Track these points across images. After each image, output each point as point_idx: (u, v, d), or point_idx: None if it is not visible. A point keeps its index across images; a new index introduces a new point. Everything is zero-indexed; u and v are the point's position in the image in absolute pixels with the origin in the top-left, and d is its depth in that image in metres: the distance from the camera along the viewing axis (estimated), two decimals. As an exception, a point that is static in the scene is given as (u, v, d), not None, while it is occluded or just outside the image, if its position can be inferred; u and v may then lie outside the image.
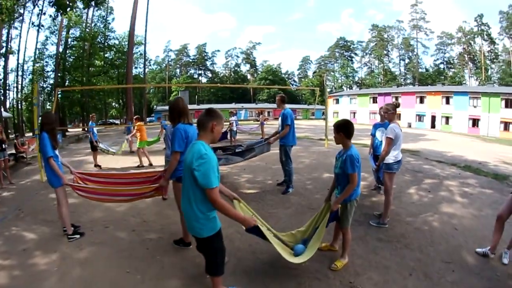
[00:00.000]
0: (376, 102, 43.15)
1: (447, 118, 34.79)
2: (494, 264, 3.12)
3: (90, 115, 11.62)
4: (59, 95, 30.32)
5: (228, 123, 13.24)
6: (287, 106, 5.52)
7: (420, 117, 37.83)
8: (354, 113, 45.35)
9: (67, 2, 7.68)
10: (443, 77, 57.44)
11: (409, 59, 62.93)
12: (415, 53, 61.65)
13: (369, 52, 67.21)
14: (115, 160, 9.63)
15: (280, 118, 5.36)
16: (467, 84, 53.13)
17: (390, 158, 3.96)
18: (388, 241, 3.64)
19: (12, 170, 8.26)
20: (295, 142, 5.43)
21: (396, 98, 40.73)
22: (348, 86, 68.08)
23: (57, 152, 3.74)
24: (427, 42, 61.77)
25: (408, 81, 62.02)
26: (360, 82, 67.51)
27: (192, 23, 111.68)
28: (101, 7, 24.28)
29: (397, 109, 4.37)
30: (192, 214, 2.19)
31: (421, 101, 38.08)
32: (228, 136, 13.19)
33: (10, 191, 6.67)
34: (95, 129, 9.29)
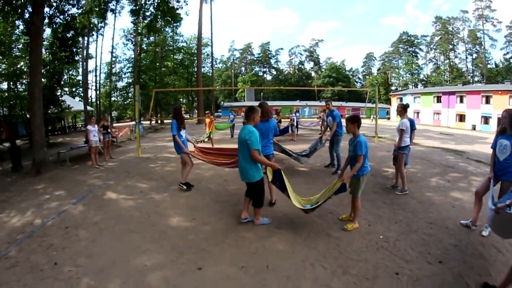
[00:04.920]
0: (440, 102, 39.76)
1: (516, 121, 30.68)
2: (472, 233, 3.82)
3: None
4: (132, 93, 35.39)
5: (289, 119, 14.78)
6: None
7: (486, 119, 33.57)
8: (418, 113, 42.36)
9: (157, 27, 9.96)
10: None
11: (477, 54, 55.55)
12: (483, 47, 54.12)
13: (434, 47, 61.47)
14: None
15: (330, 117, 7.19)
16: None
17: (402, 143, 5.42)
18: (391, 204, 4.90)
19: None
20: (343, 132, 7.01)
21: (461, 97, 37.24)
22: (413, 84, 63.64)
23: (182, 132, 5.75)
24: (495, 34, 53.06)
25: (476, 78, 54.94)
26: (425, 79, 62.63)
27: (255, 20, 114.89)
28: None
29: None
30: (247, 167, 3.81)
31: (487, 101, 33.70)
32: (290, 130, 14.39)
33: (114, 162, 9.24)
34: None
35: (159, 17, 11.63)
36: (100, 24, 23.50)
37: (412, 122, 5.73)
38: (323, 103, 51.55)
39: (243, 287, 2.76)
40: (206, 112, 13.43)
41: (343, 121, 5.57)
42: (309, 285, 2.77)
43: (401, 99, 46.79)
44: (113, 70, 36.74)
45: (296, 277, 2.89)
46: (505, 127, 3.56)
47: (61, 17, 10.26)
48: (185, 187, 5.74)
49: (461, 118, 36.71)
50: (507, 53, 53.50)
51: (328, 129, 7.28)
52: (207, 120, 12.38)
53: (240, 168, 3.90)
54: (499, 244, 3.46)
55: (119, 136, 15.24)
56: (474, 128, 33.56)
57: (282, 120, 16.08)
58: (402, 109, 5.56)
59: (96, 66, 33.27)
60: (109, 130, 10.01)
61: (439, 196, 5.43)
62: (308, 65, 75.03)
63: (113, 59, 34.79)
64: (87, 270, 3.03)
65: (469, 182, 6.48)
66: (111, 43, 37.14)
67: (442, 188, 5.97)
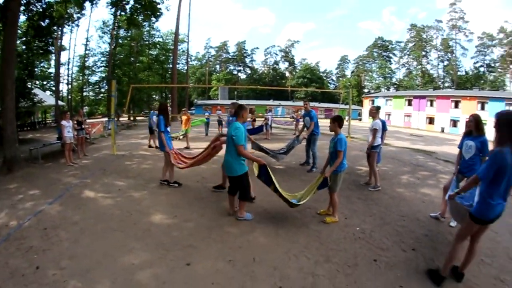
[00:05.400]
0: (411, 105, 42.12)
1: (482, 125, 33.35)
2: (441, 224, 4.30)
3: (152, 106, 14.04)
4: (105, 88, 34.14)
5: (263, 119, 14.97)
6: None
7: (454, 122, 36.32)
8: (389, 115, 44.50)
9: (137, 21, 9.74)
10: (482, 81, 53.87)
11: (448, 61, 59.51)
12: (454, 55, 58.24)
13: (408, 52, 64.77)
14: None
15: (307, 117, 7.42)
16: (508, 90, 49.49)
17: (374, 143, 5.78)
18: (365, 199, 5.21)
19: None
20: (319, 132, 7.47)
21: (431, 101, 39.63)
22: (385, 87, 66.45)
23: (168, 128, 5.71)
24: (466, 44, 57.95)
25: (447, 84, 58.72)
26: (397, 83, 65.63)
27: (232, 19, 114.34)
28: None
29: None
30: (232, 161, 3.93)
31: (456, 106, 36.50)
32: (264, 129, 14.51)
33: (88, 160, 8.86)
34: (154, 117, 11.36)
35: (139, 10, 11.34)
36: (76, 14, 22.37)
37: (383, 123, 6.11)
38: (296, 103, 53.35)
39: (233, 279, 2.85)
40: (183, 109, 13.31)
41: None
42: (296, 274, 2.94)
43: (373, 101, 48.87)
44: (86, 64, 35.17)
45: (282, 267, 3.03)
46: (471, 130, 3.94)
47: (38, 4, 9.70)
48: (176, 185, 5.77)
49: (431, 121, 39.19)
50: (477, 62, 57.57)
51: (305, 128, 7.53)
52: (184, 118, 12.07)
53: (226, 162, 4.05)
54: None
55: (92, 132, 14.70)
56: (443, 130, 35.98)
57: (256, 119, 16.27)
58: (375, 111, 5.96)
59: (69, 58, 31.71)
60: (83, 126, 9.63)
61: (409, 192, 5.83)
62: (283, 65, 75.95)
63: (87, 51, 33.39)
64: (72, 272, 2.94)
65: (438, 180, 6.96)
66: (86, 35, 35.49)
67: (412, 185, 6.39)
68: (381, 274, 3.00)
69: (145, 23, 30.67)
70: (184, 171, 6.49)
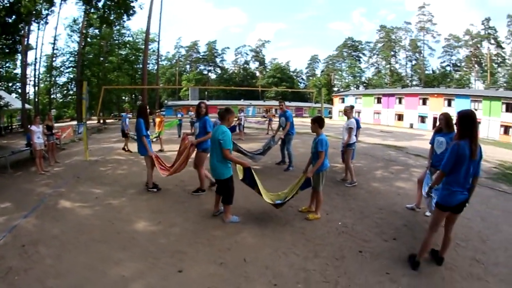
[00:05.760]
0: (380, 103, 44.22)
1: (449, 120, 35.66)
2: (417, 214, 4.60)
3: (124, 108, 13.53)
4: (74, 90, 32.56)
5: (236, 118, 14.96)
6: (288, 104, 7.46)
7: (422, 118, 38.71)
8: (359, 112, 46.30)
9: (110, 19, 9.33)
10: (449, 80, 57.66)
11: (416, 61, 63.15)
12: (422, 55, 61.95)
13: (377, 52, 67.68)
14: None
15: (283, 117, 7.50)
16: (473, 87, 53.42)
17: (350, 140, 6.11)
18: (343, 195, 5.46)
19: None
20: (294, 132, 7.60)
21: (400, 99, 41.82)
22: (355, 85, 68.85)
23: (149, 132, 5.54)
24: (434, 44, 61.57)
25: (415, 82, 62.17)
26: (367, 82, 68.23)
27: (203, 18, 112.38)
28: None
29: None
30: (218, 165, 3.96)
31: (424, 103, 38.93)
32: (237, 129, 14.67)
33: (60, 167, 8.38)
34: (127, 120, 11.01)
35: (112, 8, 10.86)
36: (46, 11, 20.86)
37: (357, 122, 6.49)
38: (267, 103, 54.02)
39: (227, 282, 2.88)
40: (156, 111, 12.97)
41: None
42: (287, 270, 3.04)
43: (343, 100, 50.72)
44: (54, 64, 33.25)
45: (274, 265, 3.12)
46: (441, 127, 4.31)
47: (5, -1, 8.99)
48: (155, 189, 5.60)
49: (400, 117, 41.41)
50: (444, 61, 61.78)
51: (281, 128, 7.64)
52: (157, 120, 11.85)
53: (211, 165, 4.06)
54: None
55: (62, 137, 13.97)
56: (411, 126, 38.20)
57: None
58: (350, 110, 6.28)
59: (36, 58, 29.68)
60: (53, 131, 9.14)
61: (384, 186, 6.17)
62: (254, 65, 76.17)
63: (55, 51, 31.55)
64: (61, 291, 2.74)
65: (410, 173, 7.41)
66: (54, 33, 32.96)
67: (386, 179, 6.76)
68: (368, 264, 3.21)
69: (118, 21, 29.54)
70: (162, 176, 6.34)
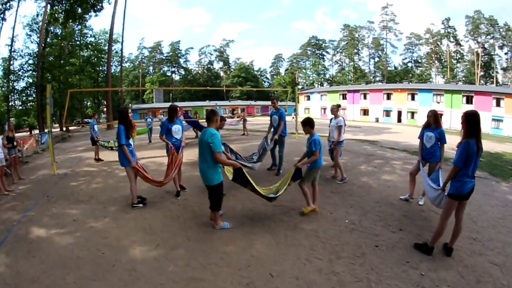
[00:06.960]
0: (346, 99, 46.02)
1: (413, 113, 38.15)
2: (412, 204, 4.87)
3: (92, 114, 12.57)
4: (34, 96, 29.88)
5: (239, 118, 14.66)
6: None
7: (387, 112, 40.99)
8: (324, 109, 47.54)
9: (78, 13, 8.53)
10: (411, 75, 61.88)
11: (379, 58, 66.92)
12: (384, 52, 65.98)
13: (340, 50, 70.57)
14: (114, 154, 10.56)
15: (278, 117, 6.79)
16: (434, 82, 57.75)
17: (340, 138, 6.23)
18: (338, 192, 5.52)
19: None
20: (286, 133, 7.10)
21: (365, 95, 43.89)
22: (319, 83, 71.09)
23: (130, 141, 4.97)
24: (396, 42, 66.60)
25: (378, 78, 65.99)
26: (331, 79, 70.76)
27: (167, 18, 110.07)
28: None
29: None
30: (207, 170, 3.76)
31: (388, 98, 41.26)
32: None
33: (26, 184, 7.26)
34: (95, 126, 10.17)
35: (79, 1, 9.93)
36: (4, 5, 18.34)
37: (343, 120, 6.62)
38: (233, 103, 53.75)
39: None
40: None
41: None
42: (318, 277, 2.94)
43: (308, 97, 52.22)
44: (12, 68, 30.06)
45: (303, 275, 2.99)
46: (430, 123, 4.67)
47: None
48: (140, 205, 4.99)
49: (365, 112, 43.55)
50: (405, 58, 66.71)
51: (272, 128, 7.09)
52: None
53: (200, 170, 3.86)
54: (433, 208, 4.35)
55: (24, 149, 12.54)
56: (377, 120, 40.28)
57: (199, 121, 16.00)
58: (336, 109, 6.44)
59: None
60: (15, 143, 7.84)
61: (373, 180, 6.35)
62: (218, 65, 75.97)
63: (13, 53, 28.63)
64: None
65: (392, 166, 7.73)
66: (12, 34, 29.66)
67: (372, 173, 6.97)
68: (387, 256, 3.31)
69: (85, 15, 27.29)
70: (144, 187, 5.67)
